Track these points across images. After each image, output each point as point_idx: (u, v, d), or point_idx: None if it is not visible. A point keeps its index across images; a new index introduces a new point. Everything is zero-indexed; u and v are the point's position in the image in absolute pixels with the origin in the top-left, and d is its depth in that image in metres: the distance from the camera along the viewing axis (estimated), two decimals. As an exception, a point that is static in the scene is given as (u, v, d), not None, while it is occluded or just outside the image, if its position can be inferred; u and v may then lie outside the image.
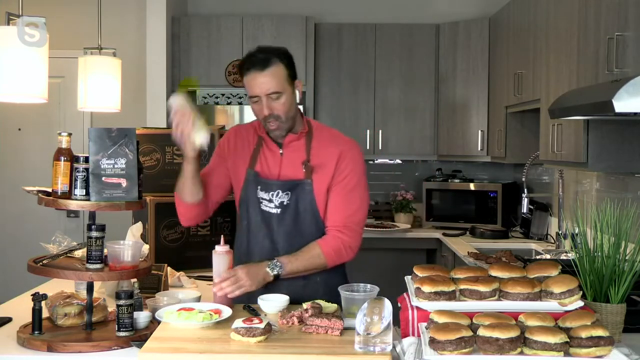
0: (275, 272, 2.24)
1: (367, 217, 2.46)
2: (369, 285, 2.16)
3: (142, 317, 2.12)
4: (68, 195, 2.07)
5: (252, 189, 2.40)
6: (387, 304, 1.82)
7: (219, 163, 2.49)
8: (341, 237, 2.32)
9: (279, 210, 2.36)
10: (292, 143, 2.38)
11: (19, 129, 5.39)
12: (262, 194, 2.38)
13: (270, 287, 2.28)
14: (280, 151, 2.40)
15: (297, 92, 2.37)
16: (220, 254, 2.25)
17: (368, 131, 5.30)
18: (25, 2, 2.31)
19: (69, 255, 2.27)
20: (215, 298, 2.24)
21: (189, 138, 2.18)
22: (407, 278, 2.12)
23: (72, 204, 2.06)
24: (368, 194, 2.41)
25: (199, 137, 2.18)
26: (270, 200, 2.37)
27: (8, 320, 2.25)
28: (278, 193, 2.36)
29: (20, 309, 2.30)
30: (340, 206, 2.34)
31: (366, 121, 5.31)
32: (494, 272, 2.00)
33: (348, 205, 2.34)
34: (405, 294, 2.06)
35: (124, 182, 2.07)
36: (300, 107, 4.22)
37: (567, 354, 1.67)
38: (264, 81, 2.27)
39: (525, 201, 4.22)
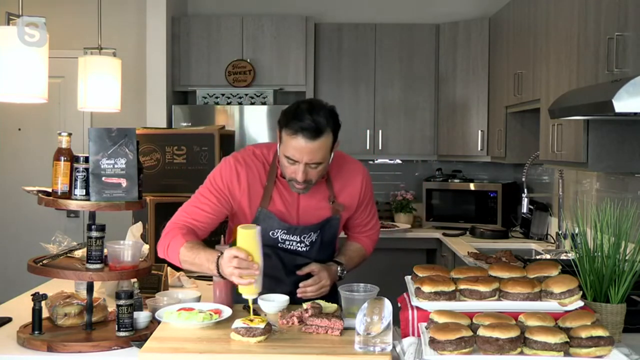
0: (342, 275, 2.38)
1: None
2: (369, 285, 2.16)
3: (142, 317, 2.12)
4: (68, 195, 2.07)
5: (265, 228, 2.24)
6: (387, 304, 1.82)
7: (220, 203, 2.27)
8: (375, 237, 2.58)
9: (307, 248, 2.35)
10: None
11: (19, 129, 5.40)
12: (286, 236, 2.32)
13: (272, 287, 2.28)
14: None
15: (333, 153, 2.23)
16: (220, 254, 2.24)
17: (368, 131, 5.30)
18: (25, 2, 2.31)
19: (69, 255, 2.27)
20: (214, 298, 2.24)
21: (240, 286, 2.00)
22: (407, 278, 2.12)
23: (72, 204, 2.06)
24: None
25: (252, 294, 2.03)
26: (300, 242, 2.33)
27: (8, 320, 2.25)
28: (310, 235, 2.33)
29: (20, 309, 2.30)
30: (370, 219, 2.52)
31: (366, 121, 5.31)
32: (494, 272, 2.00)
33: (373, 216, 2.54)
34: (405, 294, 2.06)
35: (124, 182, 2.07)
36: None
37: (567, 354, 1.67)
38: (310, 152, 2.11)
39: (525, 201, 4.22)
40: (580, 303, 1.88)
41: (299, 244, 2.34)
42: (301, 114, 2.10)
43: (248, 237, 2.01)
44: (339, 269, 2.36)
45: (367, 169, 2.48)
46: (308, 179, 2.17)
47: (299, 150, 2.11)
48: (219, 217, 2.30)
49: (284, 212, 2.29)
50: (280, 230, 2.30)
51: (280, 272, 2.34)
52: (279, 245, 2.32)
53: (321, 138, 2.10)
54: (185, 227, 2.23)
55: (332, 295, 2.43)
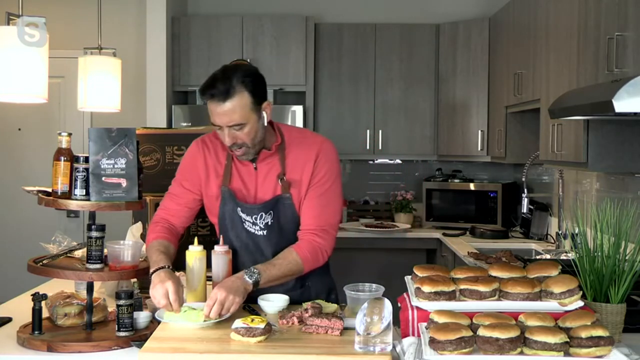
0: (254, 280, 2.11)
1: (340, 220, 2.38)
2: (374, 285, 2.17)
3: (142, 317, 2.12)
4: (68, 195, 2.07)
5: (230, 206, 2.31)
6: (387, 304, 1.82)
7: (188, 190, 2.36)
8: (317, 241, 2.25)
9: (265, 232, 2.29)
10: (266, 158, 2.29)
11: (19, 129, 5.40)
12: (243, 216, 2.30)
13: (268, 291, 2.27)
14: (254, 166, 2.30)
15: (266, 116, 2.23)
16: (219, 254, 2.25)
17: (368, 131, 5.30)
18: (25, 2, 2.31)
19: (69, 255, 2.27)
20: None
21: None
22: (407, 278, 2.12)
23: (72, 204, 2.06)
24: (342, 195, 2.36)
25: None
26: (254, 223, 2.29)
27: (8, 320, 2.25)
28: (262, 215, 2.28)
29: (20, 309, 2.30)
30: (316, 209, 2.27)
31: (366, 121, 5.31)
32: (494, 272, 2.00)
33: (323, 208, 2.27)
34: (405, 294, 2.06)
35: (124, 182, 2.07)
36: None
37: (567, 354, 1.67)
38: (224, 114, 2.14)
39: (525, 201, 4.22)
40: (580, 303, 1.88)
41: (254, 226, 2.29)
42: (212, 80, 2.18)
43: (191, 258, 2.19)
44: (246, 277, 2.10)
45: (332, 147, 2.34)
46: (239, 142, 2.19)
47: (216, 114, 2.17)
48: (190, 203, 2.37)
49: (242, 190, 2.31)
50: (239, 209, 2.30)
51: (253, 255, 2.30)
52: (243, 225, 2.31)
53: (232, 99, 2.13)
54: (162, 221, 2.36)
55: (331, 296, 2.43)
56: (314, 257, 2.24)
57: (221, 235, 2.33)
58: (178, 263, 2.61)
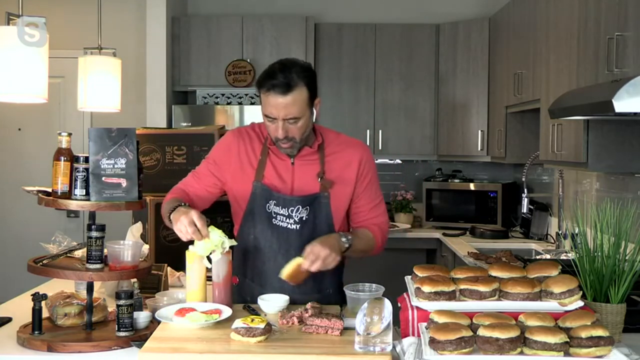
0: (348, 244, 2.23)
1: None
2: (374, 285, 2.17)
3: (142, 317, 2.12)
4: (68, 195, 2.07)
5: (260, 202, 2.32)
6: (387, 304, 1.82)
7: (212, 173, 2.39)
8: (384, 229, 2.43)
9: (298, 226, 2.31)
10: (306, 155, 2.33)
11: (19, 129, 5.40)
12: (277, 209, 2.31)
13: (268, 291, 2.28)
14: (292, 161, 2.33)
15: (315, 112, 2.27)
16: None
17: (368, 131, 5.30)
18: (25, 2, 2.31)
19: (69, 255, 2.27)
20: (214, 298, 2.24)
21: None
22: (407, 278, 2.12)
23: (72, 204, 2.06)
24: None
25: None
26: (289, 216, 2.30)
27: (8, 320, 2.25)
28: (298, 209, 2.30)
29: (20, 309, 2.30)
30: (375, 204, 2.42)
31: (366, 121, 5.31)
32: (494, 272, 2.00)
33: (379, 203, 2.44)
34: (405, 294, 2.06)
35: (124, 182, 2.07)
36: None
37: (567, 354, 1.67)
38: (284, 106, 2.17)
39: (525, 201, 4.22)
40: (580, 303, 1.88)
41: (288, 220, 2.30)
42: (273, 72, 2.18)
43: (191, 258, 2.20)
44: (342, 238, 2.22)
45: (369, 150, 2.45)
46: (290, 135, 2.23)
47: (274, 106, 2.18)
48: (210, 187, 2.39)
49: (278, 182, 2.33)
50: (272, 203, 2.31)
51: (276, 254, 2.31)
52: (273, 221, 2.31)
53: (293, 92, 2.16)
54: (179, 189, 2.39)
55: (336, 295, 2.43)
56: (384, 239, 2.44)
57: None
58: (178, 263, 2.61)
